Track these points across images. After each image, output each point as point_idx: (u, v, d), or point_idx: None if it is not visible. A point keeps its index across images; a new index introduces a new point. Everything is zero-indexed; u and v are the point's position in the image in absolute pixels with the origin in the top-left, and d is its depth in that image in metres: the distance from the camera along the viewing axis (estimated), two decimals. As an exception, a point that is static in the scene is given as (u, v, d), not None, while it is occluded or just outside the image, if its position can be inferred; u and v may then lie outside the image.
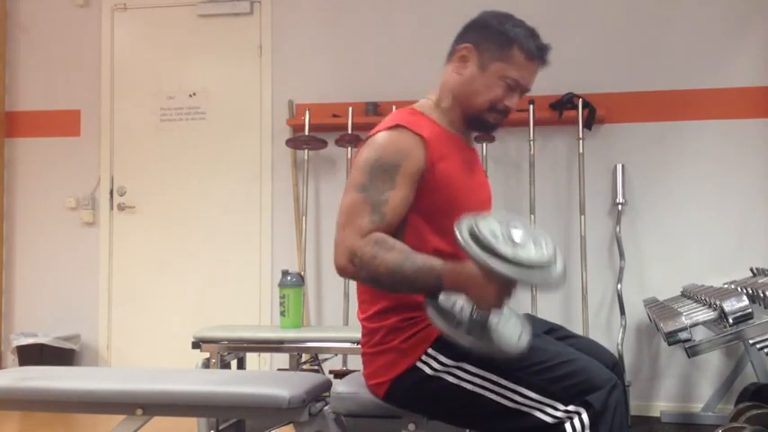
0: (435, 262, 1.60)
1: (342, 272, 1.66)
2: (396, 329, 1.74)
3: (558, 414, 1.63)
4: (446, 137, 1.81)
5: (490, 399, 1.67)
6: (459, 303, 1.63)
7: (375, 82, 4.24)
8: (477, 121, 1.86)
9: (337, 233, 1.68)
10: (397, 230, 1.70)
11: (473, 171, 1.89)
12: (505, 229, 1.53)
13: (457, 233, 1.52)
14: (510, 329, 1.66)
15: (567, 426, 1.61)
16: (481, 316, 1.59)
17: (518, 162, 4.05)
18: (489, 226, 1.52)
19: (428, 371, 1.71)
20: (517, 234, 1.53)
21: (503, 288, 1.55)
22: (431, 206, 1.74)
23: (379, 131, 1.76)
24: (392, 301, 1.75)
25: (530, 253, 1.52)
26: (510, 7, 3.70)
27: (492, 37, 1.80)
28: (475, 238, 1.50)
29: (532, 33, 1.81)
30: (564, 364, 1.66)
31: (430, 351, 1.71)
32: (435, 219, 1.75)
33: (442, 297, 1.63)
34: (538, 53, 1.80)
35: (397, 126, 1.74)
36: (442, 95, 1.88)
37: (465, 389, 1.68)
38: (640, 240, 3.98)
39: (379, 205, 1.67)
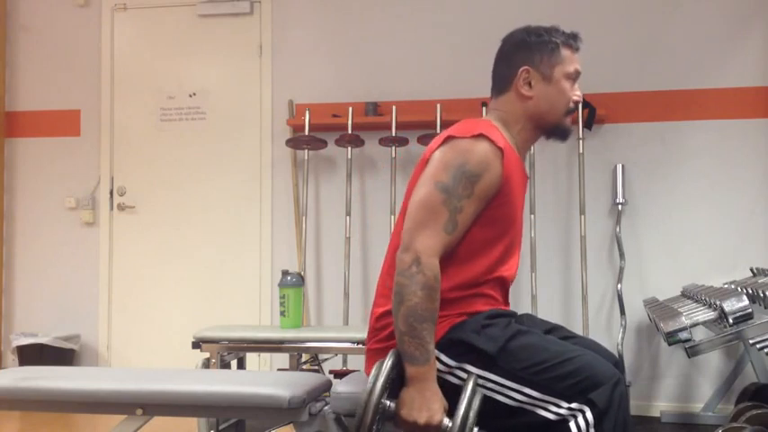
0: (432, 350, 1.64)
1: (400, 262, 1.67)
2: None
3: (562, 411, 1.64)
4: (515, 157, 1.85)
5: (493, 398, 1.68)
6: (389, 402, 1.66)
7: (375, 82, 4.24)
8: (559, 130, 1.93)
9: (412, 225, 1.70)
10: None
11: (524, 194, 1.96)
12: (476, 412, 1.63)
13: None
14: None
15: (572, 424, 1.62)
16: (389, 414, 1.65)
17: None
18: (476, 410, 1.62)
19: None
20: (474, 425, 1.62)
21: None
22: (493, 216, 1.78)
23: (462, 137, 1.76)
24: None
25: None
26: (512, 9, 3.72)
27: (540, 50, 1.89)
28: (465, 415, 1.59)
29: (561, 30, 1.94)
30: (566, 363, 1.66)
31: None
32: (491, 229, 1.78)
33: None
34: (576, 43, 1.93)
35: (481, 135, 1.75)
36: (511, 120, 1.90)
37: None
38: (640, 240, 3.98)
39: (455, 212, 1.70)
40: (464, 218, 1.72)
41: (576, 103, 1.91)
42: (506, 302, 1.91)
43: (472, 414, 1.59)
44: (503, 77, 1.92)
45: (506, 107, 1.90)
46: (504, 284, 1.87)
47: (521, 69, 1.87)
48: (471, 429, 1.59)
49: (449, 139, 1.78)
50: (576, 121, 3.89)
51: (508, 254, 1.86)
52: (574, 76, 1.91)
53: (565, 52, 1.89)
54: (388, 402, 1.65)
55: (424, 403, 1.62)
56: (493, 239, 1.79)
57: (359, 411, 1.58)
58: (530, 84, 1.87)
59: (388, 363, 1.63)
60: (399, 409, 1.64)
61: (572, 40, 1.92)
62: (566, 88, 1.89)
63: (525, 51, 1.89)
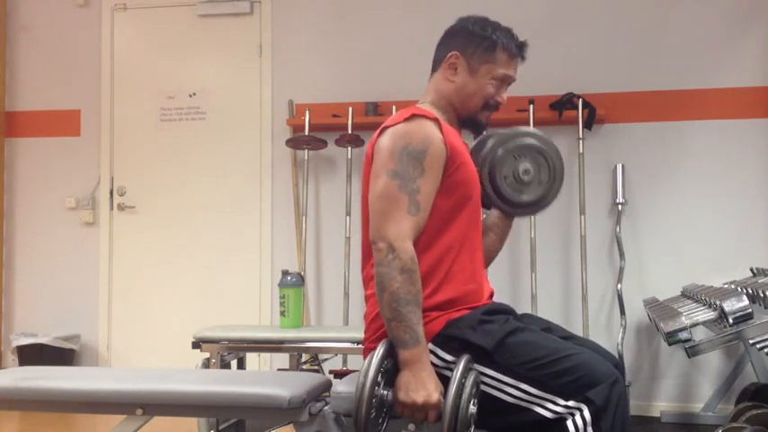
0: (420, 331, 1.66)
1: (376, 253, 1.70)
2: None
3: (559, 409, 1.64)
4: (452, 129, 1.89)
5: (490, 395, 1.68)
6: (386, 392, 1.67)
7: (375, 82, 4.24)
8: (472, 122, 1.97)
9: (376, 218, 1.73)
10: None
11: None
12: (471, 395, 1.65)
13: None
14: None
15: (569, 422, 1.62)
16: (388, 404, 1.66)
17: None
18: (469, 391, 1.64)
19: None
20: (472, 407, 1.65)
21: (424, 411, 1.63)
22: (452, 184, 1.80)
23: (396, 123, 1.80)
24: None
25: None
26: (511, 8, 3.72)
27: (476, 42, 1.91)
28: (458, 395, 1.61)
29: (510, 34, 1.94)
30: (564, 360, 1.67)
31: (429, 346, 1.72)
32: (454, 195, 1.80)
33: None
34: (519, 51, 1.94)
35: (413, 116, 1.79)
36: (437, 99, 1.95)
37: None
38: (640, 240, 3.98)
39: (413, 194, 1.73)
40: (424, 196, 1.74)
41: (497, 104, 1.94)
42: (483, 278, 1.92)
43: (467, 389, 1.60)
44: (437, 57, 1.98)
45: (434, 86, 1.96)
46: (476, 253, 1.88)
47: (451, 53, 1.91)
48: (468, 404, 1.59)
49: (384, 129, 1.82)
50: (576, 121, 3.90)
51: (475, 216, 1.88)
52: (501, 79, 1.92)
53: (501, 54, 1.91)
54: (384, 392, 1.66)
55: (420, 384, 1.63)
56: (458, 205, 1.82)
57: (354, 403, 1.59)
58: (455, 69, 1.92)
59: (379, 352, 1.65)
60: (396, 393, 1.66)
61: (515, 46, 1.93)
62: (486, 86, 1.91)
63: (463, 38, 1.93)
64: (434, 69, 1.98)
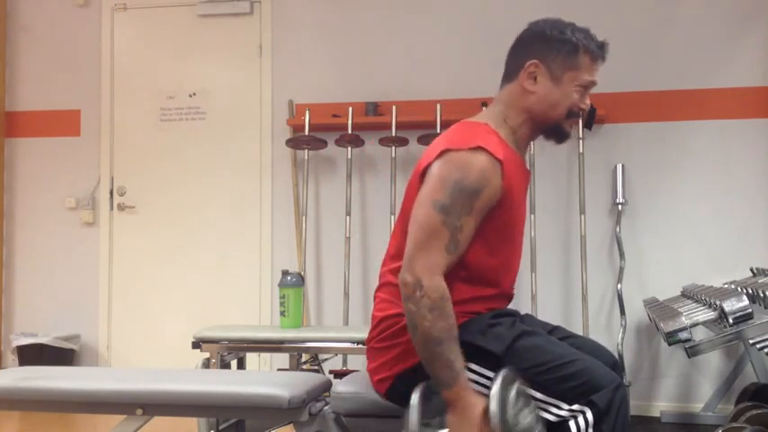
0: (459, 367, 1.61)
1: (404, 286, 1.65)
2: (407, 327, 1.73)
3: (562, 413, 1.64)
4: (515, 160, 1.80)
5: None
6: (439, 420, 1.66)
7: (375, 82, 4.24)
8: (556, 131, 1.87)
9: (412, 247, 1.66)
10: None
11: (525, 195, 1.92)
12: (519, 407, 1.59)
13: (494, 400, 1.54)
14: None
15: (572, 423, 1.62)
16: None
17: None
18: (514, 402, 1.58)
19: None
20: (524, 418, 1.59)
21: None
22: (492, 227, 1.74)
23: (459, 148, 1.70)
24: None
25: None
26: (512, 9, 3.72)
27: (557, 47, 1.80)
28: (503, 409, 1.54)
29: (590, 34, 1.84)
30: (568, 365, 1.66)
31: None
32: (490, 237, 1.75)
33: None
34: (601, 53, 1.83)
35: (478, 148, 1.69)
36: (510, 113, 1.84)
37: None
38: (640, 240, 3.98)
39: (455, 232, 1.66)
40: (465, 235, 1.68)
41: (582, 110, 1.85)
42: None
43: (511, 404, 1.56)
44: (512, 66, 1.85)
45: (509, 98, 1.85)
46: (507, 297, 1.88)
47: (529, 62, 1.81)
48: (518, 416, 1.57)
49: (445, 152, 1.72)
50: (576, 121, 3.89)
51: (510, 261, 1.85)
52: (586, 86, 1.84)
53: (584, 59, 1.81)
54: None
55: (467, 421, 1.59)
56: (495, 248, 1.78)
57: None
58: (535, 78, 1.81)
59: (414, 402, 1.64)
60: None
61: (598, 48, 1.82)
62: (571, 95, 1.82)
63: (541, 44, 1.81)
64: (509, 80, 1.85)
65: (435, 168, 1.71)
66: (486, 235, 1.74)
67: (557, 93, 1.81)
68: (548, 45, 1.81)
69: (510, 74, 1.86)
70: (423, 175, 1.75)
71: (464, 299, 1.75)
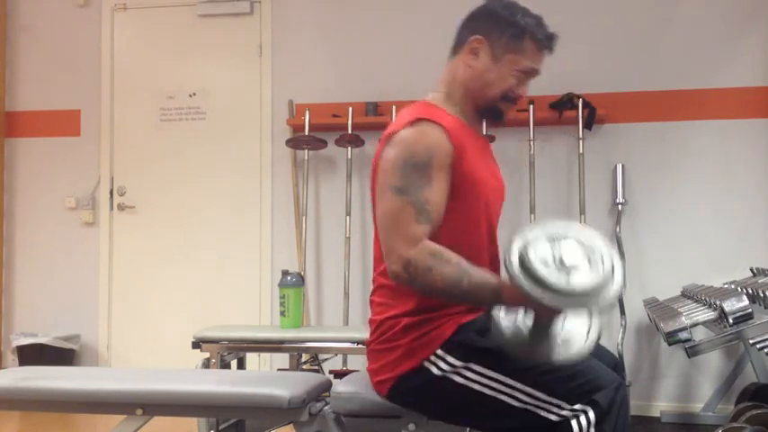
0: (491, 278, 1.60)
1: (396, 278, 1.65)
2: (408, 328, 1.73)
3: (564, 413, 1.64)
4: (462, 127, 1.80)
5: (497, 398, 1.67)
6: (520, 316, 1.62)
7: (375, 82, 4.24)
8: (490, 111, 1.86)
9: (386, 239, 1.67)
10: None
11: (487, 160, 1.90)
12: (557, 250, 1.49)
13: (508, 264, 1.48)
14: (576, 329, 1.61)
15: (573, 423, 1.62)
16: (542, 325, 1.59)
17: (518, 162, 4.05)
18: (539, 252, 1.48)
19: (435, 371, 1.71)
20: (569, 254, 1.49)
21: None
22: (456, 194, 1.73)
23: (399, 129, 1.72)
24: (412, 306, 1.74)
25: (583, 279, 1.46)
26: (510, 7, 3.63)
27: (503, 28, 1.79)
28: (525, 269, 1.46)
29: (541, 22, 1.82)
30: (569, 365, 1.66)
31: (438, 352, 1.71)
32: (459, 205, 1.74)
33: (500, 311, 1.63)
34: (548, 43, 1.81)
35: (417, 120, 1.71)
36: (453, 87, 1.86)
37: (472, 389, 1.68)
38: (640, 240, 3.98)
39: (421, 205, 1.65)
40: (434, 204, 1.67)
41: (516, 97, 1.83)
42: None
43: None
44: (458, 40, 1.86)
45: (452, 72, 1.86)
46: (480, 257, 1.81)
47: (474, 37, 1.81)
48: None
49: (387, 138, 1.74)
50: (576, 121, 3.90)
51: (487, 225, 1.82)
52: (526, 72, 1.81)
53: (528, 45, 1.79)
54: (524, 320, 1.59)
55: (530, 303, 1.54)
56: (469, 214, 1.75)
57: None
58: (477, 54, 1.81)
59: (494, 330, 1.61)
60: (537, 318, 1.59)
61: (545, 38, 1.80)
62: (508, 77, 1.80)
63: (489, 22, 1.81)
64: (454, 53, 1.86)
65: (383, 155, 1.73)
66: (454, 196, 1.72)
67: (494, 72, 1.80)
68: (495, 24, 1.80)
69: (455, 47, 1.87)
70: (375, 169, 1.77)
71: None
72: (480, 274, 1.60)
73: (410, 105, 1.84)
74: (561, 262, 1.48)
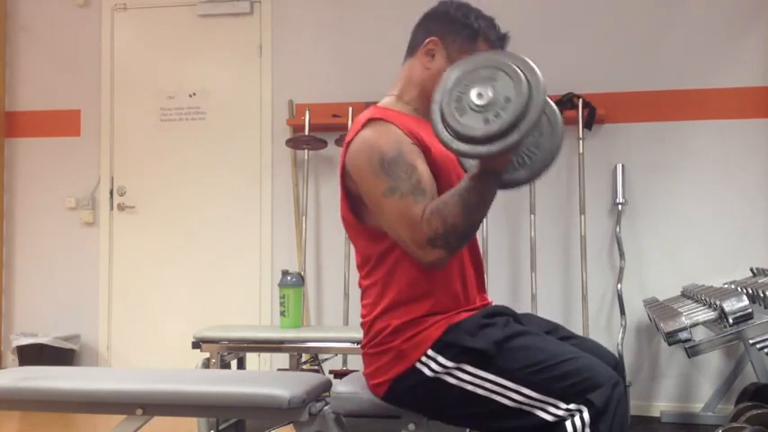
0: (469, 175, 1.62)
1: (438, 262, 1.65)
2: (397, 330, 1.74)
3: (560, 412, 1.63)
4: (414, 120, 1.83)
5: (491, 399, 1.67)
6: None
7: (375, 82, 4.21)
8: None
9: (405, 239, 1.67)
10: None
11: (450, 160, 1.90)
12: (473, 93, 1.53)
13: (434, 127, 1.56)
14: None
15: (568, 423, 1.61)
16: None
17: (518, 162, 4.04)
18: (454, 103, 1.53)
19: (428, 372, 1.70)
20: (483, 92, 1.52)
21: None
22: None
23: (355, 134, 1.75)
24: (393, 300, 1.75)
25: (474, 129, 1.51)
26: (511, 9, 3.69)
27: (457, 29, 1.84)
28: (442, 118, 1.54)
29: (493, 24, 1.87)
30: (565, 363, 1.65)
31: (429, 353, 1.71)
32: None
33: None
34: (500, 44, 1.87)
35: (370, 120, 1.75)
36: (406, 88, 1.91)
37: (465, 389, 1.68)
38: (640, 240, 3.98)
39: (413, 188, 1.67)
40: (426, 181, 1.68)
41: None
42: (480, 287, 1.90)
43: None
44: (414, 41, 1.90)
45: (408, 73, 1.91)
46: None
47: (429, 39, 1.85)
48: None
49: (349, 144, 1.76)
50: (576, 121, 3.90)
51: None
52: None
53: (482, 46, 1.84)
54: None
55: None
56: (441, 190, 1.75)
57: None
58: (433, 56, 1.85)
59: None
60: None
61: (497, 39, 1.85)
62: None
63: (443, 24, 1.85)
64: (410, 54, 1.91)
65: (354, 165, 1.74)
66: None
67: None
68: (450, 26, 1.85)
69: (410, 49, 1.92)
70: (343, 176, 1.78)
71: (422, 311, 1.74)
72: (462, 185, 1.63)
73: (360, 115, 1.87)
74: (469, 104, 1.52)
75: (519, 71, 1.51)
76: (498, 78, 1.52)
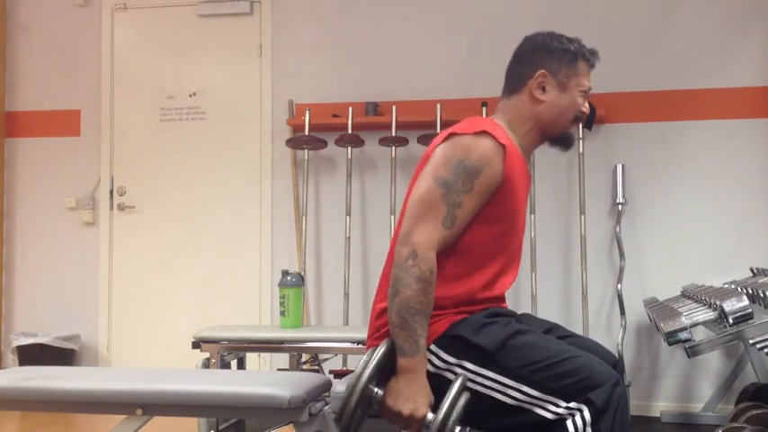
0: (423, 344, 1.66)
1: (397, 255, 1.69)
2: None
3: (560, 411, 1.64)
4: (518, 155, 1.86)
5: (491, 396, 1.68)
6: (377, 390, 1.68)
7: (375, 82, 4.24)
8: (564, 137, 1.96)
9: (410, 219, 1.71)
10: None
11: (527, 194, 1.97)
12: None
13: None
14: None
15: (569, 423, 1.62)
16: (376, 401, 1.68)
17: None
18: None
19: (430, 368, 1.71)
20: None
21: (407, 422, 1.65)
22: (495, 214, 1.78)
23: (463, 133, 1.77)
24: None
25: None
26: (510, 9, 3.71)
27: (559, 57, 1.90)
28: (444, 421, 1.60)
29: (582, 43, 1.97)
30: (565, 362, 1.66)
31: (432, 347, 1.72)
32: (492, 227, 1.79)
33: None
34: (594, 60, 1.98)
35: (483, 132, 1.76)
36: (517, 121, 1.91)
37: (465, 386, 1.68)
38: (640, 240, 3.98)
39: (453, 207, 1.70)
40: (463, 213, 1.72)
41: (579, 118, 1.95)
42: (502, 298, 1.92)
43: (456, 412, 1.60)
44: (518, 77, 1.92)
45: (516, 108, 1.91)
46: (501, 300, 1.88)
47: (538, 72, 1.88)
48: (453, 427, 1.59)
49: (451, 135, 1.79)
50: (576, 125, 3.89)
51: (509, 262, 1.86)
52: (586, 91, 1.94)
53: (582, 65, 1.92)
54: (375, 390, 1.67)
55: (411, 395, 1.64)
56: (494, 240, 1.79)
57: (345, 393, 1.59)
58: (543, 88, 1.89)
59: (380, 350, 1.65)
60: (386, 397, 1.66)
61: (591, 55, 1.95)
62: (576, 99, 1.91)
63: (545, 55, 1.90)
64: (514, 91, 1.92)
65: (439, 150, 1.78)
66: (486, 217, 1.76)
67: (565, 99, 1.91)
68: (551, 55, 1.91)
69: (515, 85, 1.92)
70: (428, 159, 1.80)
71: (460, 298, 1.76)
72: (423, 331, 1.66)
73: (478, 117, 1.93)
74: None
75: None
76: None
